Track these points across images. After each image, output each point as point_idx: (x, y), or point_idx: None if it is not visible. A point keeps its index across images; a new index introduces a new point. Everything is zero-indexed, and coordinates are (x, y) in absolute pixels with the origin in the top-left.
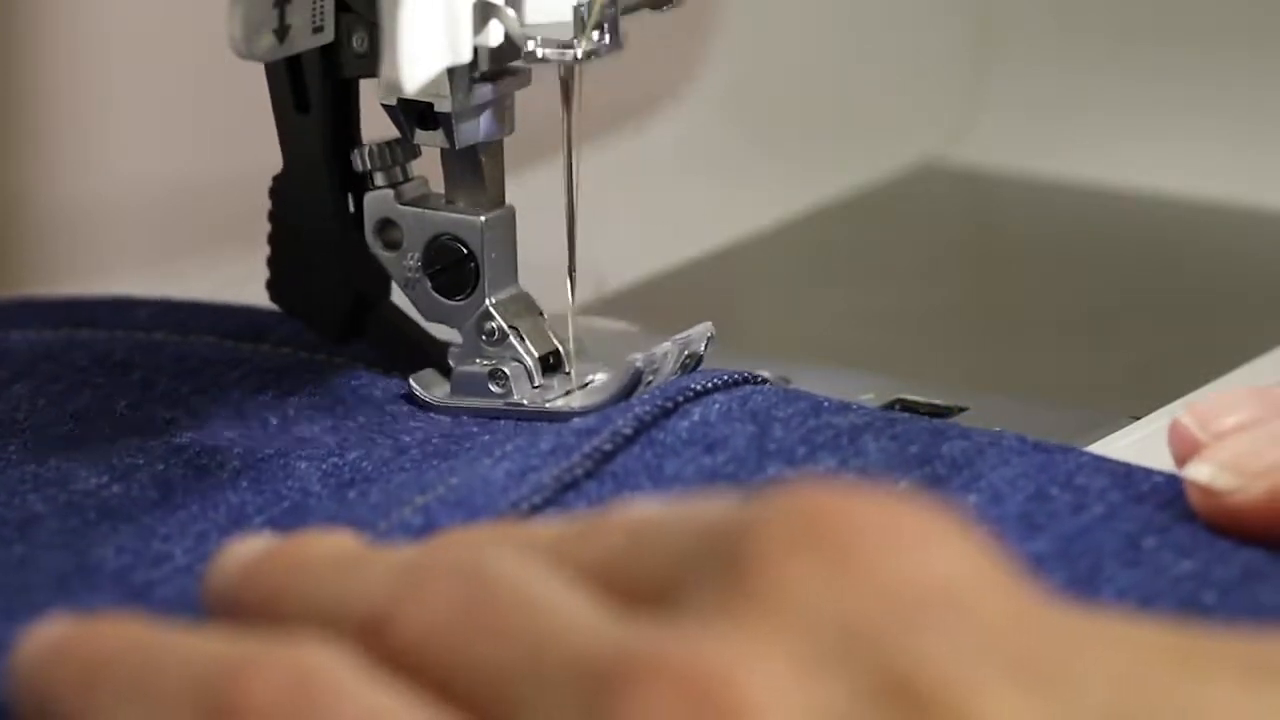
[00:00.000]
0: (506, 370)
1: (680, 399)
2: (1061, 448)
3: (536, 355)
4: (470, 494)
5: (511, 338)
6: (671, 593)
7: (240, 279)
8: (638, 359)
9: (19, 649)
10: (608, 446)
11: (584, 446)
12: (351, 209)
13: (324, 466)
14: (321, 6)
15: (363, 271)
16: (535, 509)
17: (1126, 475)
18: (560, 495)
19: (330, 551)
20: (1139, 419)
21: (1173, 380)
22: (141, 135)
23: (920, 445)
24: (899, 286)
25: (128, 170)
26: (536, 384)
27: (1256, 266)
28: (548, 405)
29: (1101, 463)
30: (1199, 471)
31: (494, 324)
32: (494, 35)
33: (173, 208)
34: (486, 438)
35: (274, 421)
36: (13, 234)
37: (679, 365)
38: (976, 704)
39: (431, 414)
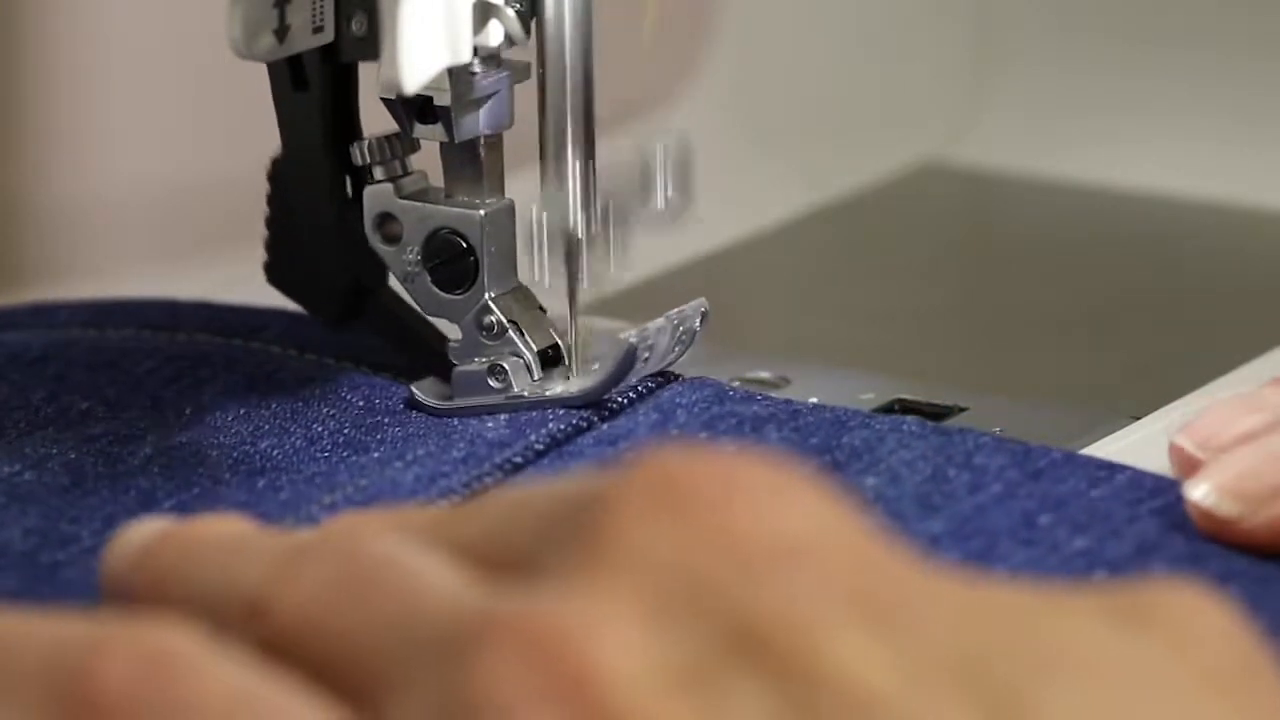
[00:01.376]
0: (505, 365)
1: (595, 419)
2: (962, 430)
3: (536, 349)
4: (379, 495)
5: (511, 332)
6: (534, 561)
7: (240, 278)
8: (632, 336)
9: None
10: (518, 459)
11: (495, 457)
12: (350, 192)
13: (235, 455)
14: (321, 6)
15: (360, 256)
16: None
17: (1025, 453)
18: (467, 503)
19: (221, 535)
20: (1139, 419)
21: (1173, 380)
22: (141, 135)
23: (821, 436)
24: (899, 286)
25: (128, 170)
26: (536, 378)
27: (1256, 266)
28: (547, 393)
29: (1001, 443)
30: (1202, 495)
31: (493, 318)
32: (494, 35)
33: (173, 208)
34: (398, 430)
35: (187, 410)
36: (13, 234)
37: (674, 341)
38: (825, 647)
39: (344, 401)
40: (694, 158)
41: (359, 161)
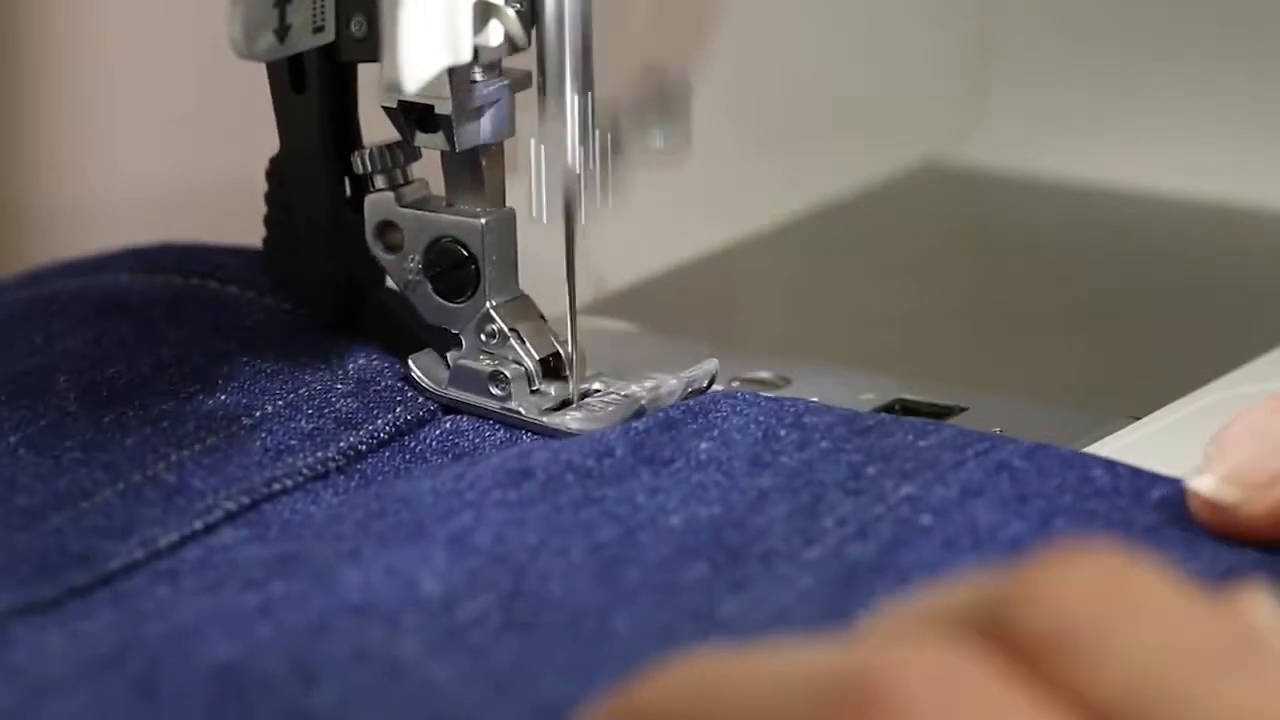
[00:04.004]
0: (507, 373)
1: (439, 411)
2: (793, 399)
3: (537, 358)
4: (225, 461)
5: (512, 340)
6: None
7: None
8: (642, 397)
9: None
10: (362, 446)
11: (341, 441)
12: (347, 193)
13: (82, 382)
14: (322, 6)
15: (357, 255)
16: (285, 491)
17: (853, 414)
18: (310, 483)
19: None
20: (1139, 419)
21: (1173, 380)
22: (141, 135)
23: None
24: (899, 286)
25: (128, 170)
26: (535, 388)
27: (1256, 266)
28: (545, 419)
29: (830, 407)
30: (1202, 483)
31: (494, 326)
32: (494, 35)
33: (173, 208)
34: (245, 360)
35: (38, 340)
36: (13, 234)
37: (683, 400)
38: None
39: (195, 327)
40: (694, 158)
41: (360, 170)
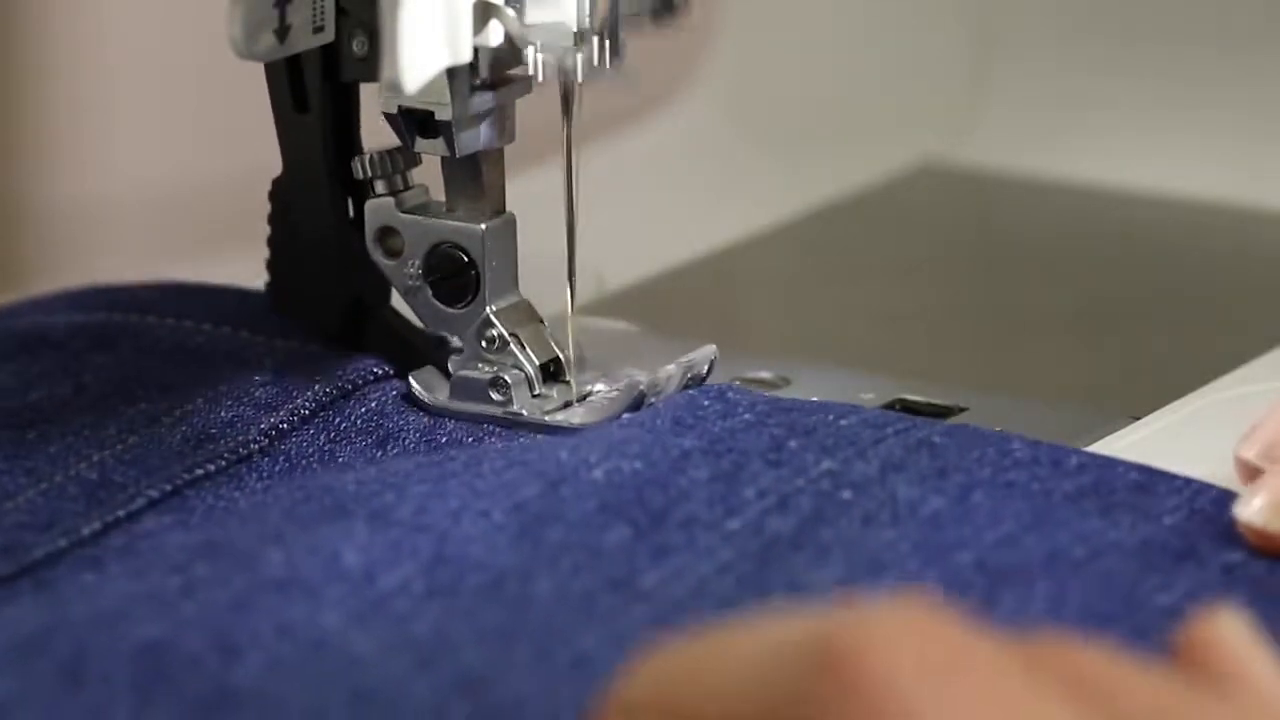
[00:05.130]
0: (507, 378)
1: (359, 382)
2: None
3: (537, 363)
4: (146, 455)
5: (512, 345)
6: None
7: (240, 279)
8: (641, 382)
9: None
10: (284, 425)
11: (261, 423)
12: (351, 213)
13: (4, 408)
14: (322, 6)
15: (362, 275)
16: (208, 476)
17: (777, 396)
18: (234, 467)
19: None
20: (1139, 419)
21: (1173, 380)
22: (141, 135)
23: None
24: (899, 286)
25: (128, 170)
26: (536, 392)
27: (1256, 266)
28: (547, 418)
29: (752, 388)
30: (1253, 513)
31: (494, 332)
32: (494, 35)
33: (173, 208)
34: (164, 371)
35: None
36: (13, 234)
37: (682, 387)
38: None
39: (116, 353)
40: (694, 158)
41: (360, 175)
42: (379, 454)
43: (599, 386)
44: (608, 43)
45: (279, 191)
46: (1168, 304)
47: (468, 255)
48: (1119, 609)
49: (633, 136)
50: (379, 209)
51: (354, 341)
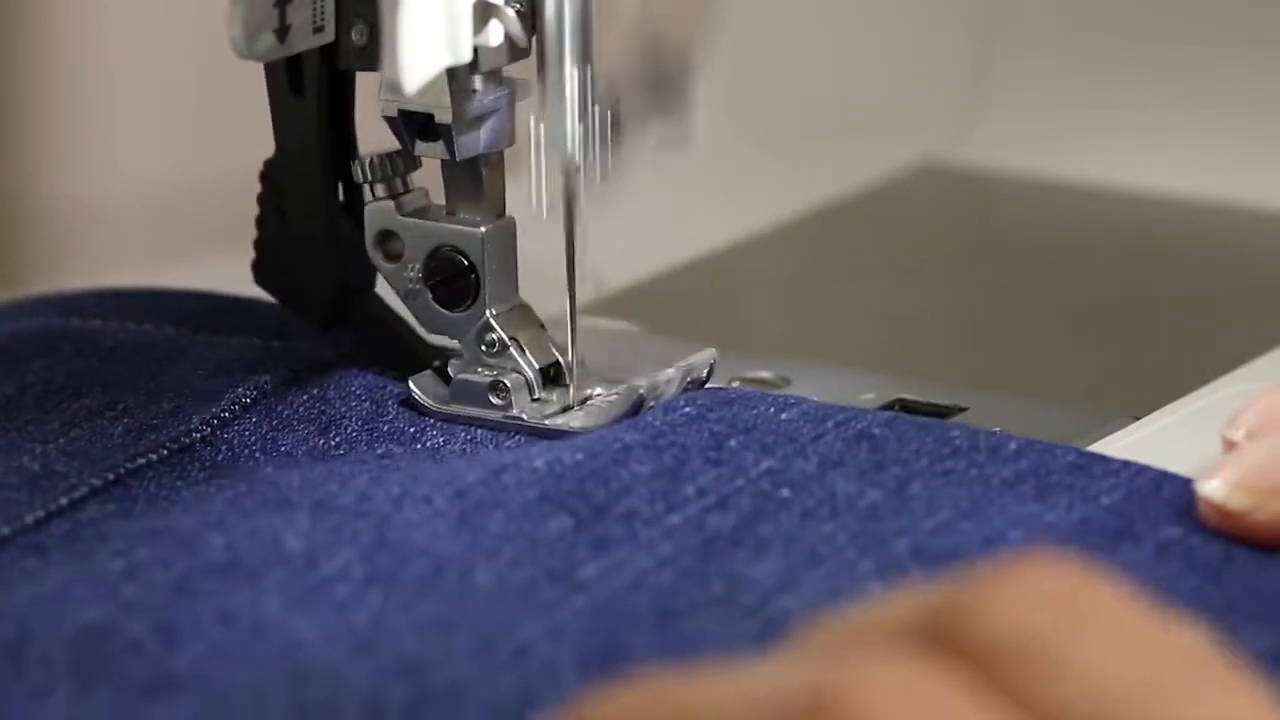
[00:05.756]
0: (507, 382)
1: (301, 370)
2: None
3: (537, 367)
4: (89, 446)
5: (512, 349)
6: None
7: (240, 278)
8: (641, 386)
9: None
10: (225, 414)
11: (203, 412)
12: (341, 196)
13: None
14: (322, 6)
15: (349, 259)
16: (150, 465)
17: (717, 388)
18: (176, 456)
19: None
20: (1139, 419)
21: (1173, 380)
22: (141, 135)
23: None
24: (899, 286)
25: (128, 170)
26: (536, 396)
27: (1256, 266)
28: (547, 422)
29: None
30: (1212, 489)
31: (494, 335)
32: (494, 35)
33: (173, 208)
34: (107, 370)
35: None
36: (13, 234)
37: (681, 391)
38: None
39: (58, 355)
40: (694, 158)
41: (360, 179)
42: (321, 441)
43: (598, 390)
44: (610, 162)
45: (270, 172)
46: (1168, 304)
47: (467, 259)
48: None
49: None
50: (379, 212)
51: (338, 324)
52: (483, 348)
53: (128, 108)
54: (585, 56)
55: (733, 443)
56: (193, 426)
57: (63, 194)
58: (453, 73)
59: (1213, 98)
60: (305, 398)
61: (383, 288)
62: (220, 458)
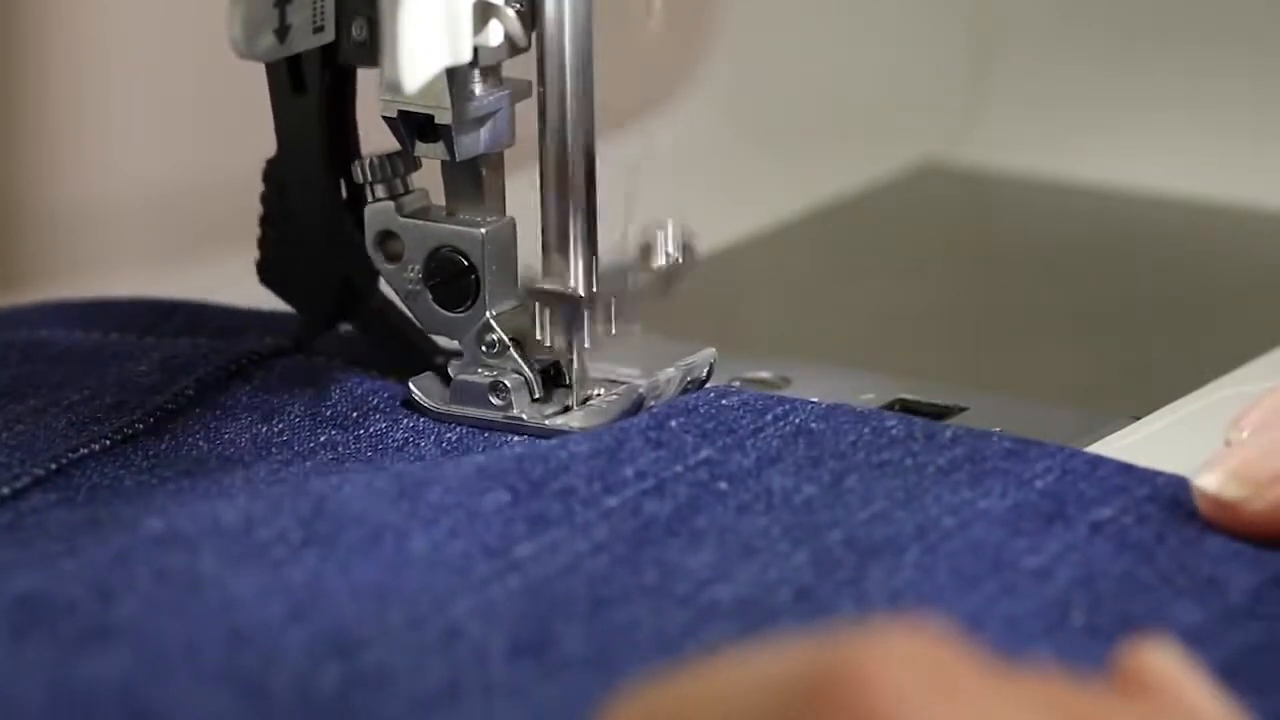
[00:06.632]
0: (507, 382)
1: (244, 363)
2: None
3: (537, 367)
4: (32, 440)
5: (512, 350)
6: None
7: (240, 278)
8: (640, 385)
9: None
10: (170, 406)
11: (146, 405)
12: (343, 194)
13: None
14: (322, 6)
15: (352, 257)
16: (92, 455)
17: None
18: (119, 446)
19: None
20: (1139, 419)
21: (1173, 380)
22: (141, 135)
23: None
24: (899, 286)
25: (128, 170)
26: (536, 396)
27: (1256, 266)
28: (547, 422)
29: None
30: (1206, 481)
31: (494, 336)
32: (494, 35)
33: (173, 208)
34: (51, 373)
35: None
36: (13, 234)
37: (681, 391)
38: None
39: (3, 360)
40: (694, 158)
41: (360, 180)
42: (264, 428)
43: (598, 390)
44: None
45: (273, 171)
46: (1168, 304)
47: (468, 259)
48: (986, 572)
49: (632, 137)
50: (379, 213)
51: (342, 321)
52: (483, 348)
53: (128, 108)
54: (586, 57)
55: (673, 423)
56: (135, 418)
57: (63, 194)
58: (453, 73)
59: (1213, 98)
60: (248, 388)
61: (386, 288)
62: (163, 446)
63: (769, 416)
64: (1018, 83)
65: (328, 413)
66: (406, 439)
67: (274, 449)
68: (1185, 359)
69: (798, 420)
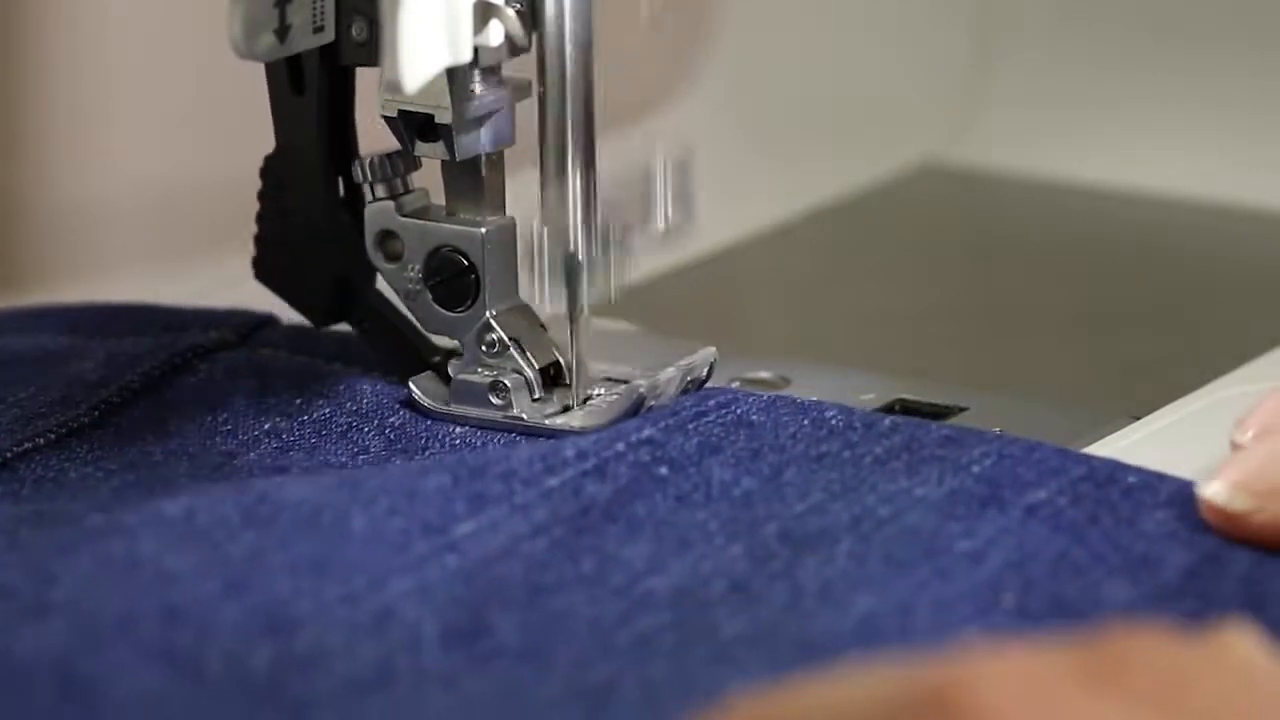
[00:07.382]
0: (507, 382)
1: (189, 355)
2: None
3: (537, 367)
4: None
5: (512, 349)
6: None
7: (240, 278)
8: (641, 385)
9: None
10: (115, 399)
11: (91, 399)
12: (341, 192)
13: None
14: (322, 6)
15: (349, 255)
16: (37, 449)
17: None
18: (64, 440)
19: None
20: (1139, 419)
21: (1173, 380)
22: (141, 135)
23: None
24: (899, 286)
25: (128, 170)
26: (536, 396)
27: (1256, 266)
28: (547, 421)
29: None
30: (1213, 492)
31: (494, 335)
32: (494, 35)
33: (173, 208)
34: (5, 372)
35: None
36: (13, 234)
37: (681, 391)
38: None
39: None
40: (693, 167)
41: (360, 179)
42: (209, 419)
43: (599, 390)
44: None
45: (271, 168)
46: (1168, 304)
47: (468, 259)
48: (918, 557)
49: (634, 138)
50: (379, 213)
51: (339, 319)
52: (483, 348)
53: (128, 108)
54: (586, 57)
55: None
56: (80, 413)
57: (63, 194)
58: (453, 73)
59: (1213, 98)
60: (193, 380)
61: (383, 287)
62: (109, 439)
63: (711, 403)
64: (1018, 83)
65: (271, 400)
66: (350, 424)
67: (219, 438)
68: (1185, 359)
69: (740, 411)
